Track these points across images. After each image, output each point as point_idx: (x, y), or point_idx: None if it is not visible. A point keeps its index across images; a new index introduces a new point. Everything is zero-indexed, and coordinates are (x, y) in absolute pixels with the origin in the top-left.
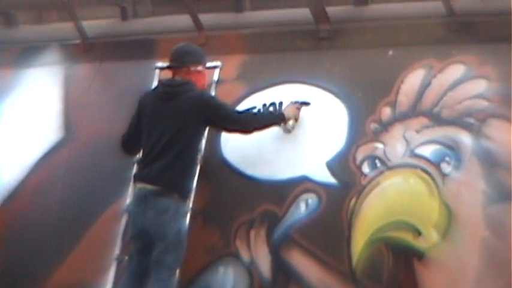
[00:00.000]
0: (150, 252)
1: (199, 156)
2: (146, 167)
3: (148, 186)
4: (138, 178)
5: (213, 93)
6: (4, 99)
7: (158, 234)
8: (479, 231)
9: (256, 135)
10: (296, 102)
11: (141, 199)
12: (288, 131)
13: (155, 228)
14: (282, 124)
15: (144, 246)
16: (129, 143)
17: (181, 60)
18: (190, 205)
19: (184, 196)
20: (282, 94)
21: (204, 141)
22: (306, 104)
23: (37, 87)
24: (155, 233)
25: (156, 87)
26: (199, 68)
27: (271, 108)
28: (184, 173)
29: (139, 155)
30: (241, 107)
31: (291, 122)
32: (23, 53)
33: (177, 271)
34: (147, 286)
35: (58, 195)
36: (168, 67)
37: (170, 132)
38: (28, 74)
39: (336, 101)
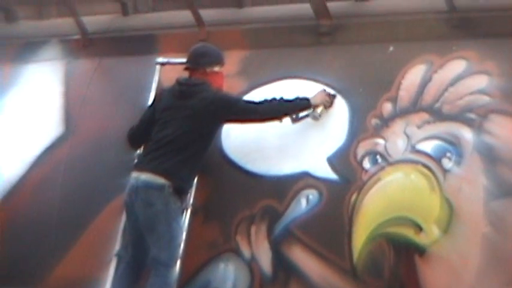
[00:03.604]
0: (144, 244)
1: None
2: (147, 156)
3: (142, 176)
4: (136, 167)
5: None
6: (5, 94)
7: (146, 226)
8: (480, 227)
9: (257, 130)
10: (324, 90)
11: (132, 189)
12: (315, 118)
13: (142, 219)
14: (311, 111)
15: (137, 237)
16: (136, 135)
17: (197, 62)
18: (191, 201)
19: (179, 192)
20: (283, 89)
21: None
22: (334, 96)
23: (37, 83)
24: (143, 225)
25: (173, 85)
26: (216, 68)
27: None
28: (184, 169)
29: (142, 148)
30: None
31: (319, 109)
32: (23, 49)
33: (176, 266)
34: (141, 277)
35: (58, 191)
36: (185, 68)
37: (181, 130)
38: (28, 70)
39: (337, 97)
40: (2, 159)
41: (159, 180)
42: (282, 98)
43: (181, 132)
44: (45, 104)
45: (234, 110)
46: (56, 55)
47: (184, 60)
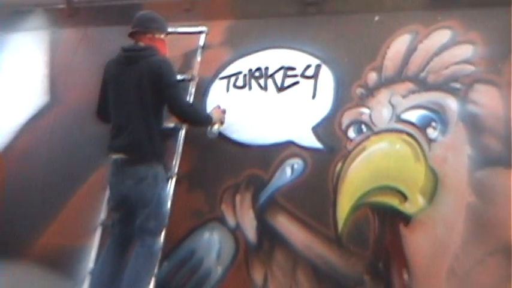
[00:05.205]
0: (132, 220)
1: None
2: (116, 137)
3: (124, 156)
4: (111, 149)
5: (198, 58)
6: None
7: (140, 202)
8: (465, 196)
9: (241, 100)
10: (219, 107)
11: (118, 169)
12: (213, 134)
13: (136, 196)
14: (208, 128)
15: (125, 215)
16: (102, 113)
17: (146, 26)
18: (176, 169)
19: (160, 161)
20: (268, 59)
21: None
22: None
23: (22, 52)
24: (137, 201)
25: (118, 54)
26: (163, 36)
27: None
28: (153, 138)
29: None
30: (226, 72)
31: (216, 126)
32: (8, 18)
33: (161, 236)
34: (129, 252)
35: (44, 160)
36: (133, 32)
37: (133, 97)
38: (14, 39)
39: (322, 66)
40: None
41: (141, 155)
42: (202, 110)
43: (134, 102)
44: (31, 73)
45: (166, 92)
46: (41, 24)
47: (170, 29)
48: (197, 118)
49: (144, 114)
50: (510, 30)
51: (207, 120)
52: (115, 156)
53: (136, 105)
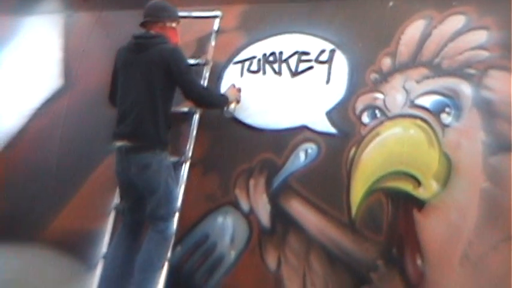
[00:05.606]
0: (142, 207)
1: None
2: (121, 124)
3: (128, 143)
4: (115, 136)
5: (213, 43)
6: (5, 46)
7: (147, 189)
8: (479, 182)
9: (255, 84)
10: (234, 85)
11: (122, 156)
12: (230, 114)
13: (142, 184)
14: (225, 108)
15: (134, 202)
16: (113, 98)
17: (157, 15)
18: (190, 154)
19: (164, 148)
20: (282, 44)
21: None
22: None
23: (37, 36)
24: (143, 189)
25: (129, 41)
26: (174, 24)
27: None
28: (158, 125)
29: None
30: (240, 56)
31: (232, 105)
32: (23, 1)
33: (174, 220)
34: (141, 236)
35: (57, 143)
36: (144, 22)
37: (141, 84)
38: (28, 22)
39: (336, 51)
40: (1, 111)
41: (145, 142)
42: (217, 92)
43: (142, 89)
44: (45, 57)
45: (180, 79)
46: (56, 8)
47: (184, 13)
48: (214, 100)
49: (151, 102)
50: None
51: (224, 101)
52: (119, 143)
53: (143, 92)
